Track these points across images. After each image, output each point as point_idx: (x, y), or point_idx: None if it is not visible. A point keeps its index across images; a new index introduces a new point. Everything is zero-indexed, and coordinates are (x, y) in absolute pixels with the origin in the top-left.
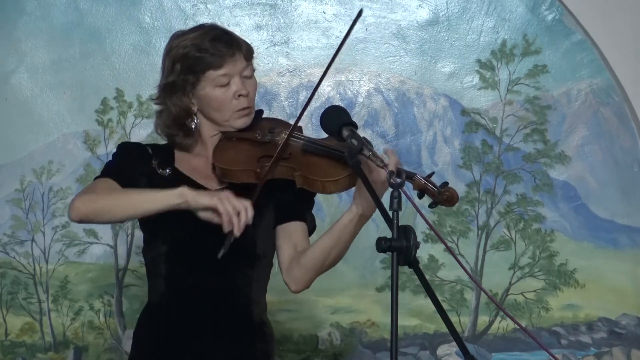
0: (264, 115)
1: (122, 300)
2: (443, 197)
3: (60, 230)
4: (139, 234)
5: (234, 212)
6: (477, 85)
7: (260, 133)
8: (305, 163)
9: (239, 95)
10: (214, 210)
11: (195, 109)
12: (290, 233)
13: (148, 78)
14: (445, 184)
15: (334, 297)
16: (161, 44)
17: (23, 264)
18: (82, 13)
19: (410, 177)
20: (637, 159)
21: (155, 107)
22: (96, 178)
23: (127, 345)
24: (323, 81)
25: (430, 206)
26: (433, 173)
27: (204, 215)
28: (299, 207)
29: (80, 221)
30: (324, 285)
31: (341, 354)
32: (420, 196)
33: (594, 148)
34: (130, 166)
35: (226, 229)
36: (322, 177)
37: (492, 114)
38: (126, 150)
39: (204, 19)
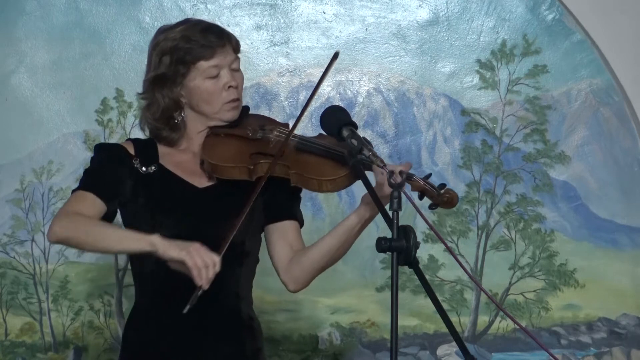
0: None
1: (122, 300)
2: (443, 198)
3: None
4: None
5: (203, 265)
6: (477, 85)
7: (250, 130)
8: (300, 161)
9: (229, 87)
10: (183, 262)
11: (184, 101)
12: (284, 233)
13: None
14: (443, 185)
15: (334, 297)
16: None
17: (23, 264)
18: (82, 13)
19: (409, 178)
20: (637, 159)
21: (142, 102)
22: (75, 190)
23: None
24: (323, 81)
25: (430, 207)
26: (430, 174)
27: (173, 265)
28: (290, 206)
29: (56, 243)
30: (324, 285)
31: (341, 354)
32: (421, 197)
33: (594, 148)
34: (110, 173)
35: (197, 282)
36: (319, 175)
37: (492, 114)
38: (103, 155)
39: (204, 19)
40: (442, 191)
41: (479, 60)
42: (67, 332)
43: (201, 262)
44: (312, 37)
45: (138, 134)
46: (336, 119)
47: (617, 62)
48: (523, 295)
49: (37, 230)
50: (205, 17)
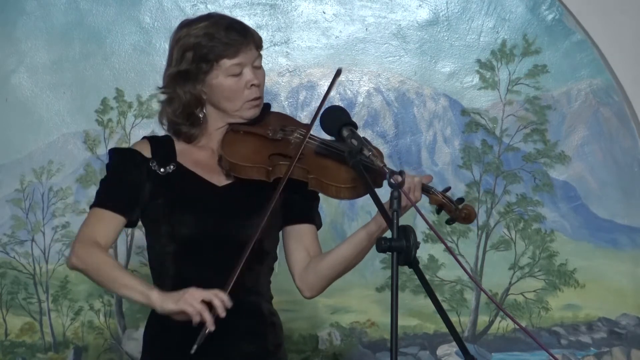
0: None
1: (122, 300)
2: (461, 214)
3: (60, 230)
4: (139, 234)
5: (203, 308)
6: (477, 85)
7: (271, 130)
8: (320, 166)
9: (251, 85)
10: (184, 313)
11: (205, 98)
12: (301, 236)
13: (148, 78)
14: (461, 200)
15: (334, 297)
16: (161, 44)
17: (23, 264)
18: (82, 13)
19: (427, 191)
20: (637, 159)
21: (161, 97)
22: (92, 206)
23: (127, 345)
24: (323, 81)
25: (447, 222)
26: (449, 188)
27: (176, 317)
28: (308, 209)
29: (73, 269)
30: None
31: (341, 354)
32: (438, 211)
33: (594, 148)
34: (126, 182)
35: (196, 322)
36: (338, 182)
37: (492, 114)
38: (117, 162)
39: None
40: (460, 206)
41: (479, 60)
42: (67, 332)
43: (200, 306)
44: (312, 37)
45: (138, 133)
46: (336, 119)
47: (617, 62)
48: (523, 295)
49: (37, 230)
50: None
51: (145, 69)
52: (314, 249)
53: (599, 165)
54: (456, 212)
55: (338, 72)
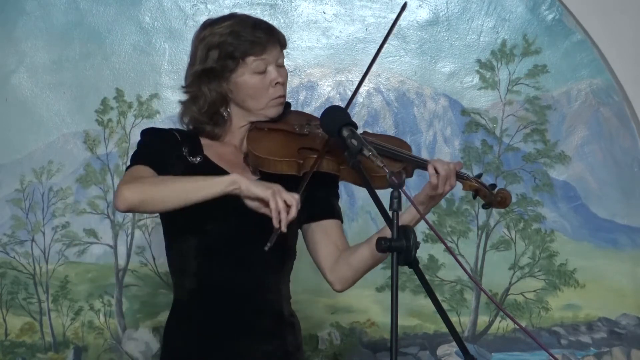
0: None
1: (122, 300)
2: (496, 198)
3: (60, 230)
4: (139, 234)
5: (284, 207)
6: (477, 85)
7: (297, 125)
8: None
9: (276, 84)
10: (264, 202)
11: (230, 96)
12: (328, 232)
13: (148, 78)
14: (494, 185)
15: (334, 297)
16: (161, 44)
17: (23, 264)
18: (82, 13)
19: (461, 177)
20: (637, 159)
21: (184, 96)
22: (128, 167)
23: (127, 345)
24: (323, 81)
25: (483, 207)
26: (481, 174)
27: (251, 204)
28: (332, 204)
29: (128, 210)
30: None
31: (341, 354)
32: (474, 196)
33: (594, 148)
34: (164, 151)
35: (275, 223)
36: (370, 172)
37: (492, 114)
38: (156, 135)
39: (204, 19)
40: (495, 191)
41: (479, 60)
42: (67, 332)
43: (282, 205)
44: (312, 37)
45: (138, 134)
46: (336, 119)
47: (617, 62)
48: (523, 295)
49: (37, 230)
50: (205, 17)
51: (145, 69)
52: (343, 243)
53: (599, 165)
54: (491, 196)
55: (404, 6)
